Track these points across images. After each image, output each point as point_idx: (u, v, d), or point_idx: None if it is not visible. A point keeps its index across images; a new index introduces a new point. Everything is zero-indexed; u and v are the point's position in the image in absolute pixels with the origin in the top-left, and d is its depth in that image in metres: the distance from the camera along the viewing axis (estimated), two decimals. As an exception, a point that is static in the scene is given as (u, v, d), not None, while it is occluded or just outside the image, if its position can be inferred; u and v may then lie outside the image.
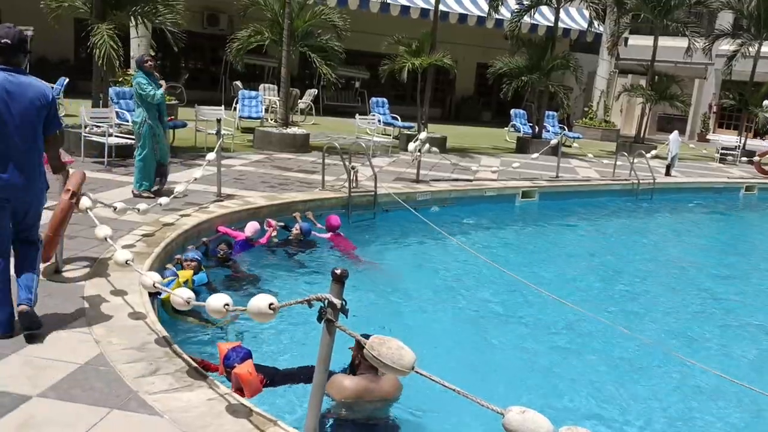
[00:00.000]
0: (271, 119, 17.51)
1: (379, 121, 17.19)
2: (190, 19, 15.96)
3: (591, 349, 6.29)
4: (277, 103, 16.09)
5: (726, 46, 23.28)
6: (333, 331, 2.75)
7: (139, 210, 6.68)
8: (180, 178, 9.63)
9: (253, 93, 17.56)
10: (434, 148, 12.77)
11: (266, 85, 20.07)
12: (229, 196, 9.17)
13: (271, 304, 3.07)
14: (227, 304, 3.52)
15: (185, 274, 6.03)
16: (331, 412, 4.22)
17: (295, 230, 8.30)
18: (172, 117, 13.44)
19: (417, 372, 2.61)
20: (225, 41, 15.95)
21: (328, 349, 2.76)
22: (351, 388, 4.15)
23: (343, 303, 2.72)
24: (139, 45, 16.75)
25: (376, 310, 6.66)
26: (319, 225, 8.76)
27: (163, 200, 7.23)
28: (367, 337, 2.80)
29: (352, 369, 4.30)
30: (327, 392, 4.20)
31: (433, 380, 2.60)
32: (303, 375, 4.21)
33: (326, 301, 2.73)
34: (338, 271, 2.73)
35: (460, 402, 3.86)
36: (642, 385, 5.65)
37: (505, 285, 7.69)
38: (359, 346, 4.12)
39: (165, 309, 5.54)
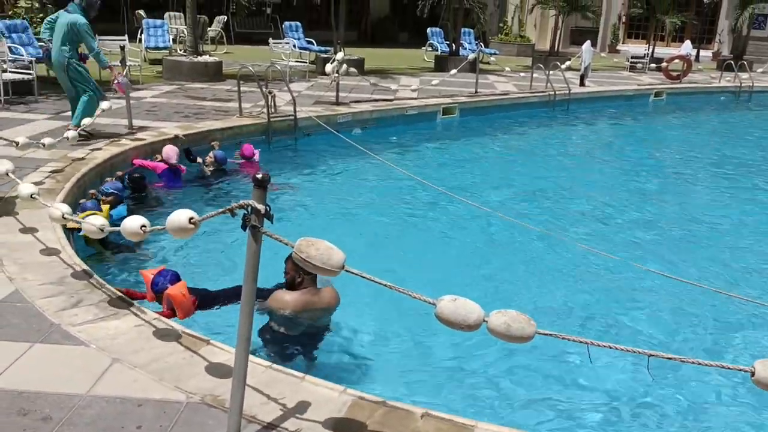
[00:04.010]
0: (180, 49, 16.68)
1: (294, 45, 16.67)
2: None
3: (510, 250, 6.52)
4: (185, 32, 15.31)
5: (633, -46, 23.57)
6: (259, 238, 2.66)
7: (44, 145, 6.28)
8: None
9: (159, 22, 16.62)
10: (353, 69, 12.54)
11: (172, 13, 19.04)
12: (142, 128, 8.77)
13: (191, 218, 2.95)
14: (144, 225, 3.36)
15: (103, 209, 5.79)
16: (269, 326, 4.20)
17: (209, 158, 7.98)
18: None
19: (347, 271, 2.58)
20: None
21: (255, 257, 2.68)
22: (292, 301, 4.14)
23: (267, 208, 2.63)
24: (26, -26, 15.46)
25: (301, 228, 6.62)
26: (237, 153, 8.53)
27: (70, 134, 6.82)
28: None
29: (292, 287, 4.26)
30: (269, 307, 4.18)
31: (364, 277, 2.58)
32: (236, 294, 4.14)
33: (249, 208, 2.63)
34: (259, 176, 2.63)
35: (393, 301, 3.92)
36: (559, 278, 5.90)
37: (430, 198, 7.79)
38: (293, 264, 4.08)
39: (91, 245, 5.35)
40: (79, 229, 5.18)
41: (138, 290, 4.36)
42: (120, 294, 4.08)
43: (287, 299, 4.15)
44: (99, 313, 3.82)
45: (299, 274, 4.14)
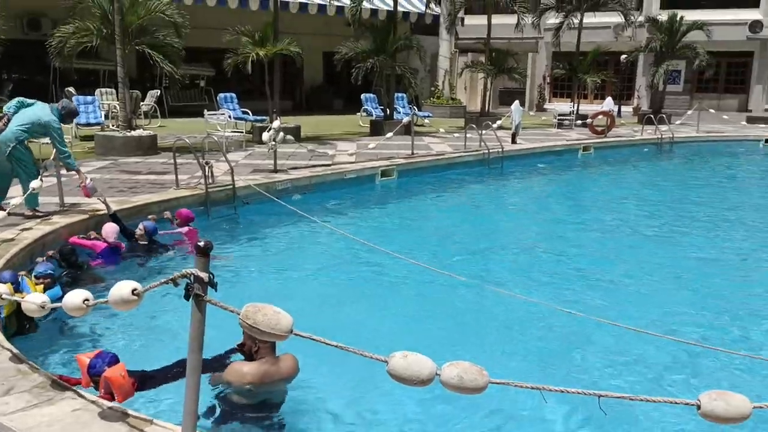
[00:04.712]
0: (113, 125, 16.49)
1: (230, 116, 16.73)
2: (7, 26, 14.57)
3: (453, 304, 6.57)
4: (117, 107, 15.18)
5: (553, 19, 24.90)
6: (203, 307, 2.59)
7: (-31, 227, 6.03)
8: (14, 191, 8.81)
9: (89, 98, 16.46)
10: (289, 137, 12.61)
11: (103, 90, 18.87)
12: (74, 205, 8.54)
13: (134, 289, 2.85)
14: (87, 299, 3.23)
15: (36, 290, 5.52)
16: (220, 398, 4.03)
17: (139, 231, 7.75)
18: (-1, 129, 12.27)
19: (296, 334, 2.53)
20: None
21: (199, 326, 2.61)
22: (250, 373, 3.96)
23: (211, 276, 2.58)
24: (-51, 56, 15.17)
25: (245, 296, 6.47)
26: (174, 223, 8.37)
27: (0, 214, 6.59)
28: None
29: (250, 358, 4.11)
30: (226, 380, 4.02)
31: (314, 339, 2.53)
32: (178, 370, 3.97)
33: (192, 276, 2.57)
34: (201, 244, 2.59)
35: (344, 363, 3.84)
36: (503, 329, 5.96)
37: (372, 259, 7.79)
38: (247, 335, 3.95)
39: (9, 325, 5.04)
40: None
41: (72, 377, 4.12)
42: (54, 378, 3.86)
43: (245, 371, 3.98)
44: (32, 399, 3.60)
45: (255, 343, 4.01)
